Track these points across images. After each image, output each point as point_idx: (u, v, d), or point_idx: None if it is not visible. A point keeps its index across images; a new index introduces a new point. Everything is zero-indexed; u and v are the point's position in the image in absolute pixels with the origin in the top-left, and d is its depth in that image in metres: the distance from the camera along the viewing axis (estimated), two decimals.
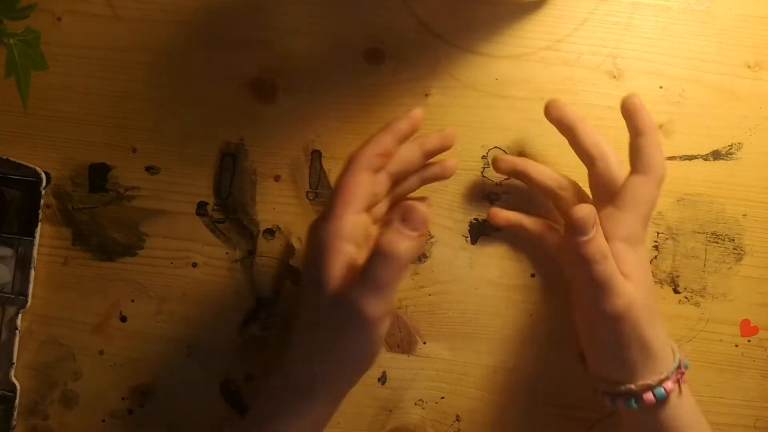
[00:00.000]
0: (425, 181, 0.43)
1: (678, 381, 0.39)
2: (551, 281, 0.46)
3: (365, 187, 0.38)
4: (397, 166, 0.40)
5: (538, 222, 0.45)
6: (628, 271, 0.38)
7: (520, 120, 0.47)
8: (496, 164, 0.45)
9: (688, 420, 0.39)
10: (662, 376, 0.38)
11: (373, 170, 0.38)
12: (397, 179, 0.41)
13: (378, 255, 0.34)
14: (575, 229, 0.37)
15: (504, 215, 0.45)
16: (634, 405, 0.38)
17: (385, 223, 0.36)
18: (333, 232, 0.36)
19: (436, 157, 0.42)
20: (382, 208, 0.41)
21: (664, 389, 0.38)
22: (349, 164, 0.38)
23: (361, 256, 0.36)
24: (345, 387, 0.39)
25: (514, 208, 0.46)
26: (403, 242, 0.34)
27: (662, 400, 0.38)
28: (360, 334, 0.36)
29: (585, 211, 0.37)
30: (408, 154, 0.40)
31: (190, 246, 0.47)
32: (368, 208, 0.39)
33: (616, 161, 0.41)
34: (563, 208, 0.44)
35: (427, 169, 0.42)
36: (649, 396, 0.38)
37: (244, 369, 0.47)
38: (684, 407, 0.39)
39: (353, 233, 0.37)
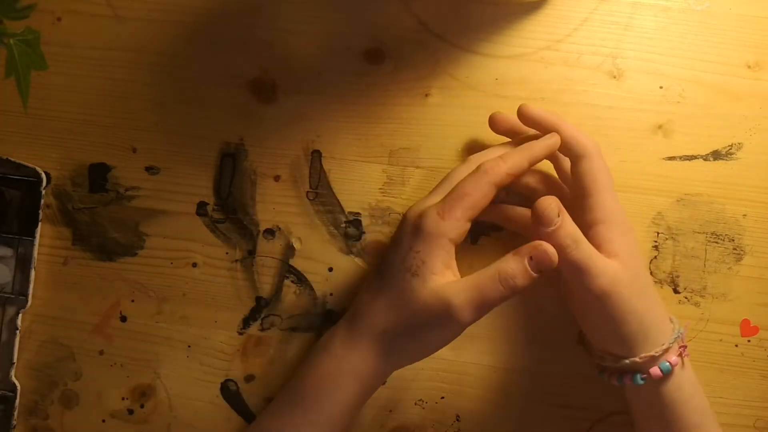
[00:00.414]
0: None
1: (681, 354, 0.40)
2: (551, 281, 0.46)
3: (488, 200, 0.40)
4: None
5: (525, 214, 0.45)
6: (613, 249, 0.39)
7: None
8: (521, 114, 0.43)
9: (690, 391, 0.40)
10: (664, 347, 0.39)
11: (499, 187, 0.40)
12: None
13: (495, 278, 0.37)
14: (540, 221, 0.38)
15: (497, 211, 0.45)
16: (640, 381, 0.39)
17: (516, 252, 0.38)
18: (445, 231, 0.39)
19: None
20: None
21: (669, 363, 0.39)
22: (483, 173, 0.39)
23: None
24: (405, 362, 0.42)
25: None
26: (522, 279, 0.37)
27: (668, 374, 0.39)
28: (446, 333, 0.39)
29: (546, 202, 0.38)
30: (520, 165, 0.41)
31: (190, 246, 0.47)
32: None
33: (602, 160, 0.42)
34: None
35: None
36: (655, 370, 0.39)
37: (244, 369, 0.47)
38: (686, 378, 0.40)
39: (460, 237, 0.39)
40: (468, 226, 0.40)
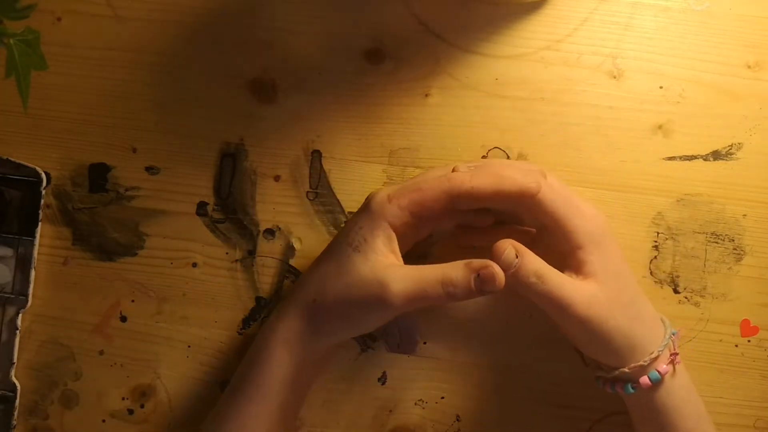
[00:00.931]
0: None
1: (672, 362, 0.40)
2: None
3: (440, 206, 0.39)
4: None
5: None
6: (590, 271, 0.39)
7: (520, 120, 0.47)
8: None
9: (683, 396, 0.40)
10: (652, 356, 0.39)
11: (457, 201, 0.39)
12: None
13: (438, 279, 0.37)
14: (501, 265, 0.37)
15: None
16: (631, 390, 0.39)
17: (468, 263, 0.37)
18: (387, 214, 0.39)
19: None
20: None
21: (658, 372, 0.39)
22: (445, 180, 0.39)
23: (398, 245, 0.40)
24: (330, 337, 0.41)
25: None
26: (463, 292, 0.37)
27: (657, 383, 0.39)
28: (372, 315, 0.39)
29: (502, 246, 0.38)
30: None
31: (190, 246, 0.47)
32: (425, 218, 0.40)
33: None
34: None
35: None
36: (645, 380, 0.39)
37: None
38: (678, 384, 0.40)
39: (401, 228, 0.39)
40: (409, 218, 0.39)
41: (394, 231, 0.39)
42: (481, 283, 0.37)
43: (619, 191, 0.46)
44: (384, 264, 0.39)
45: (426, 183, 0.39)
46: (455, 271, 0.37)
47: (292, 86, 0.47)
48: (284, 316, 0.41)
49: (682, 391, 0.40)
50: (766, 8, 0.46)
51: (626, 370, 0.39)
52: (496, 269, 0.37)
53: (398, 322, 0.47)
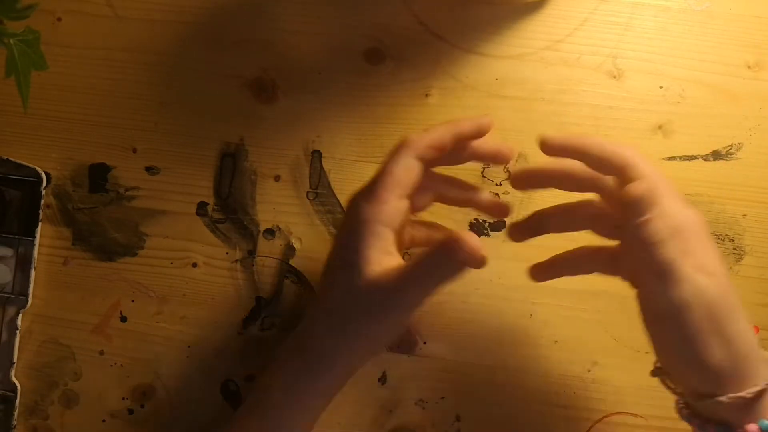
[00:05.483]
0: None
1: None
2: (551, 282, 0.46)
3: (414, 174, 0.36)
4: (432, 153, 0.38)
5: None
6: (699, 262, 0.33)
7: (520, 120, 0.47)
8: (543, 146, 0.38)
9: None
10: (758, 388, 0.31)
11: (424, 160, 0.36)
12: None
13: (418, 269, 0.34)
14: (633, 209, 0.33)
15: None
16: None
17: (443, 241, 0.34)
18: (375, 216, 0.35)
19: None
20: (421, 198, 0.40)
21: None
22: (401, 148, 0.37)
23: (398, 241, 0.36)
24: (358, 364, 0.38)
25: (515, 207, 0.46)
26: (449, 270, 0.34)
27: None
28: (389, 321, 0.35)
29: (641, 187, 0.33)
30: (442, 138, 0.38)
31: (190, 246, 0.47)
32: (411, 196, 0.37)
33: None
34: (611, 194, 0.38)
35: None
36: (752, 427, 0.31)
37: (244, 369, 0.47)
38: None
39: (395, 219, 0.36)
40: (402, 204, 0.36)
41: (390, 227, 0.36)
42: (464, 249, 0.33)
43: None
44: (379, 272, 0.35)
45: (389, 164, 0.36)
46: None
47: (292, 86, 0.47)
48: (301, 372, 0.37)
49: None
50: (766, 8, 0.46)
51: (724, 399, 0.31)
52: (472, 242, 0.33)
53: None
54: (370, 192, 0.36)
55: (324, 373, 0.37)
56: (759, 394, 0.31)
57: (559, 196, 0.46)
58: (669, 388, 0.37)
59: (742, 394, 0.31)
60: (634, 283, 0.36)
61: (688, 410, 0.35)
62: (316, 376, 0.37)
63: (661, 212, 0.33)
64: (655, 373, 0.38)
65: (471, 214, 0.47)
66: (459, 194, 0.42)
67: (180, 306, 0.48)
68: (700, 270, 0.33)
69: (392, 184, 0.36)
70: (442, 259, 0.34)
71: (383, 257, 0.35)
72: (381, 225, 0.35)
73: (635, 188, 0.34)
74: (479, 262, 0.34)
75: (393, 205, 0.35)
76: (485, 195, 0.41)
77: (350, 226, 0.36)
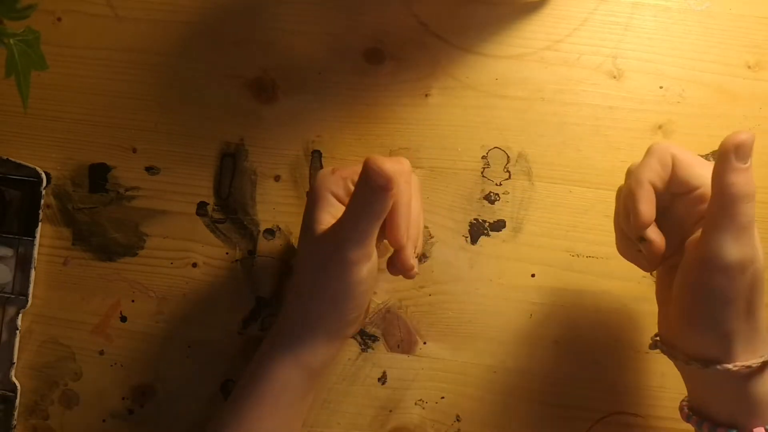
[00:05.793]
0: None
1: None
2: (551, 281, 0.46)
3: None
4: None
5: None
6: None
7: (520, 120, 0.47)
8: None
9: None
10: (763, 359, 0.34)
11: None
12: None
13: (352, 208, 0.38)
14: (737, 154, 0.33)
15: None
16: None
17: (360, 174, 0.37)
18: (329, 184, 0.40)
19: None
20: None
21: None
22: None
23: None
24: (339, 325, 0.41)
25: (515, 207, 0.46)
26: (371, 198, 0.37)
27: None
28: (341, 271, 0.38)
29: (743, 135, 0.33)
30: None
31: (190, 246, 0.47)
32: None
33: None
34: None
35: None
36: (759, 431, 0.33)
37: (244, 369, 0.47)
38: None
39: (338, 185, 0.40)
40: (349, 171, 0.40)
41: (336, 198, 0.40)
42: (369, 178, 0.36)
43: None
44: (327, 232, 0.39)
45: (367, 160, 0.38)
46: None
47: (292, 86, 0.47)
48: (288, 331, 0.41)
49: None
50: (766, 8, 0.46)
51: (731, 367, 0.33)
52: (378, 164, 0.36)
53: (398, 322, 0.47)
54: (339, 166, 0.41)
55: (305, 336, 0.40)
56: (764, 363, 0.33)
57: (559, 195, 0.46)
58: (670, 355, 0.37)
59: (749, 363, 0.33)
60: (686, 235, 0.36)
61: (689, 410, 0.36)
62: (299, 339, 0.41)
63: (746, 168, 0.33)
64: (653, 346, 0.39)
65: (471, 213, 0.47)
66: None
67: (180, 306, 0.48)
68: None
69: (355, 170, 0.39)
70: (361, 190, 0.37)
71: (332, 219, 0.39)
72: (326, 190, 0.40)
73: (737, 134, 0.33)
74: (387, 180, 0.36)
75: (337, 175, 0.40)
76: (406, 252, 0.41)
77: (309, 195, 0.42)
